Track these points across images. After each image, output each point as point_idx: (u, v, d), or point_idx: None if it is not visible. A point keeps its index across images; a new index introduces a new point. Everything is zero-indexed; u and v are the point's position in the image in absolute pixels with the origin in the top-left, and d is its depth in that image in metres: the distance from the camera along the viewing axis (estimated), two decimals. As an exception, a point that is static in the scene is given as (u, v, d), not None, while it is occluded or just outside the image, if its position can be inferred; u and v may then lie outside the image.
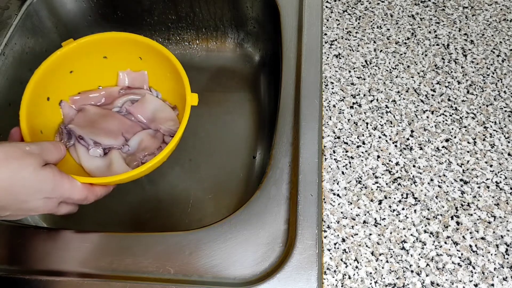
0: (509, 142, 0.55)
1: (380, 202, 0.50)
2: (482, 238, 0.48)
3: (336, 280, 0.45)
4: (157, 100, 0.55)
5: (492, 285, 0.45)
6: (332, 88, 0.59)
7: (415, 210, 0.50)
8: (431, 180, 0.52)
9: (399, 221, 0.49)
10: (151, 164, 0.43)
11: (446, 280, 0.45)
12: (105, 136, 0.51)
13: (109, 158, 0.50)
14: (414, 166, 0.53)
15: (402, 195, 0.51)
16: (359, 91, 0.59)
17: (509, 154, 0.54)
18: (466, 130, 0.56)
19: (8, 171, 0.35)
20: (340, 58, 0.62)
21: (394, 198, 0.50)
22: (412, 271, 0.46)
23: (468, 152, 0.54)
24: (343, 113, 0.57)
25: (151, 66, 0.54)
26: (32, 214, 0.40)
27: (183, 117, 0.46)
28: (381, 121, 0.56)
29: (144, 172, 0.44)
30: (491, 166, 0.53)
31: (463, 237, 0.48)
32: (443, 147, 0.54)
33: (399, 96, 0.58)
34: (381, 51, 0.63)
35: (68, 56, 0.49)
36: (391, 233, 0.48)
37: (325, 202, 0.50)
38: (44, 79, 0.46)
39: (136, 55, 0.53)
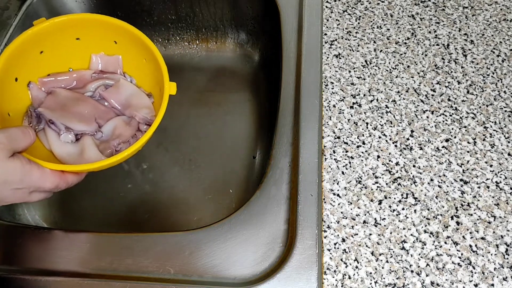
0: (509, 142, 0.55)
1: (380, 202, 0.50)
2: (482, 238, 0.48)
3: (336, 280, 0.45)
4: (132, 86, 0.53)
5: (492, 285, 0.45)
6: (332, 88, 0.59)
7: (415, 210, 0.50)
8: (431, 180, 0.52)
9: (399, 221, 0.49)
10: (126, 154, 0.42)
11: (446, 280, 0.45)
12: (77, 121, 0.49)
13: (81, 145, 0.48)
14: (414, 166, 0.53)
15: (402, 195, 0.51)
16: (359, 91, 0.59)
17: (509, 154, 0.54)
18: (466, 130, 0.56)
19: None
20: (340, 58, 0.62)
21: (394, 198, 0.50)
22: (412, 271, 0.46)
23: (468, 152, 0.54)
24: (343, 113, 0.57)
25: (126, 51, 0.53)
26: (2, 205, 0.39)
27: (161, 106, 0.45)
28: (381, 121, 0.56)
29: (118, 162, 0.43)
30: (491, 166, 0.53)
31: (463, 237, 0.48)
32: (443, 147, 0.54)
33: (399, 96, 0.58)
34: (381, 51, 0.63)
35: (40, 35, 0.47)
36: (391, 233, 0.48)
37: (325, 202, 0.50)
38: (13, 58, 0.45)
39: (111, 38, 0.51)
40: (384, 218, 0.49)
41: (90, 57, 0.53)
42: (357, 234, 0.48)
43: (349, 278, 0.45)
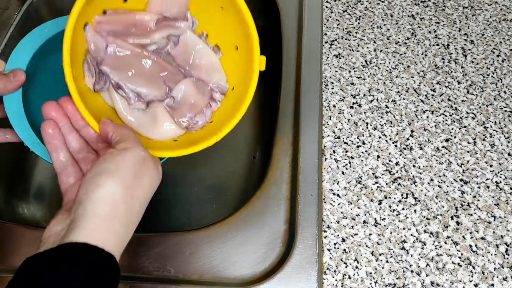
0: (509, 142, 0.55)
1: (380, 202, 0.50)
2: (482, 238, 0.48)
3: (336, 280, 0.45)
4: (198, 40, 0.46)
5: (492, 285, 0.45)
6: (332, 88, 0.59)
7: (415, 210, 0.50)
8: (431, 180, 0.52)
9: (399, 221, 0.49)
10: (229, 129, 0.41)
11: (446, 280, 0.45)
12: (145, 82, 0.44)
13: (153, 113, 0.44)
14: (414, 166, 0.53)
15: (402, 195, 0.51)
16: (359, 91, 0.59)
17: (509, 154, 0.54)
18: (466, 130, 0.56)
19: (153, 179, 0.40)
20: (340, 58, 0.62)
21: (394, 198, 0.50)
22: (412, 271, 0.46)
23: (468, 152, 0.54)
24: (343, 113, 0.57)
25: None
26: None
27: (251, 83, 0.42)
28: (381, 121, 0.56)
29: (217, 140, 0.42)
30: (491, 166, 0.53)
31: (463, 237, 0.48)
32: (443, 147, 0.54)
33: (399, 96, 0.58)
34: (381, 51, 0.63)
35: None
36: (391, 233, 0.48)
37: (325, 202, 0.50)
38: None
39: None
40: (384, 218, 0.49)
41: None
42: (357, 234, 0.48)
43: (349, 278, 0.45)
